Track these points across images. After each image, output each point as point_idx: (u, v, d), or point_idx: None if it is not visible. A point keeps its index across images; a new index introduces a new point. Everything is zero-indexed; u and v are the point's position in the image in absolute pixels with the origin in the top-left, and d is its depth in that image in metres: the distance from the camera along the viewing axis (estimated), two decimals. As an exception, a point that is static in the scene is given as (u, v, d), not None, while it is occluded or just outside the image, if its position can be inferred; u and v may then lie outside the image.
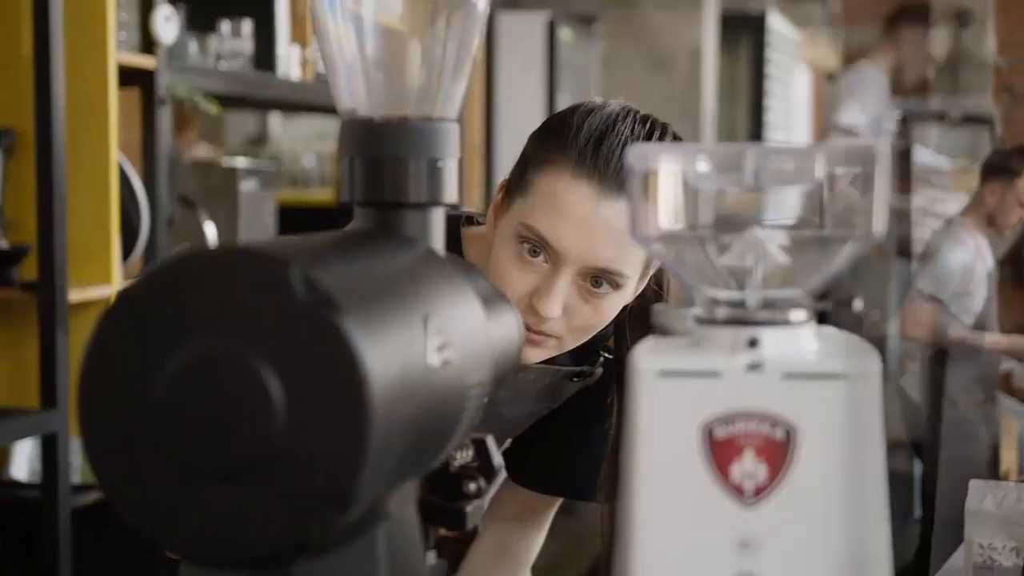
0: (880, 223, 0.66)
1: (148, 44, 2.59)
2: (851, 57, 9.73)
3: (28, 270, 2.33)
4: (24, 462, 2.52)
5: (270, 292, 0.59)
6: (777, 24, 7.21)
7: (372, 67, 0.77)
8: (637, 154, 0.69)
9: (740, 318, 0.68)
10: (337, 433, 0.58)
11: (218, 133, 4.49)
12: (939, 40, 4.38)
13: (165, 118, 2.60)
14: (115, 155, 2.43)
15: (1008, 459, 4.37)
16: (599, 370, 1.38)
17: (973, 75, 9.38)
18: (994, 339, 4.26)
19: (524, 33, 5.59)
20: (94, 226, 2.41)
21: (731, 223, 0.71)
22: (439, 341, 0.67)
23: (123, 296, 0.61)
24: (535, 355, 1.26)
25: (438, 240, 0.78)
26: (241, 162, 3.09)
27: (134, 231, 2.50)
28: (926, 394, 4.32)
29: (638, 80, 5.33)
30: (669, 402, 0.67)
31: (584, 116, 1.23)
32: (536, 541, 1.48)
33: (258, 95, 3.12)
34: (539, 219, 1.20)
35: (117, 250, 2.44)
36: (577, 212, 1.19)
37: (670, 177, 0.69)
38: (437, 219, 0.78)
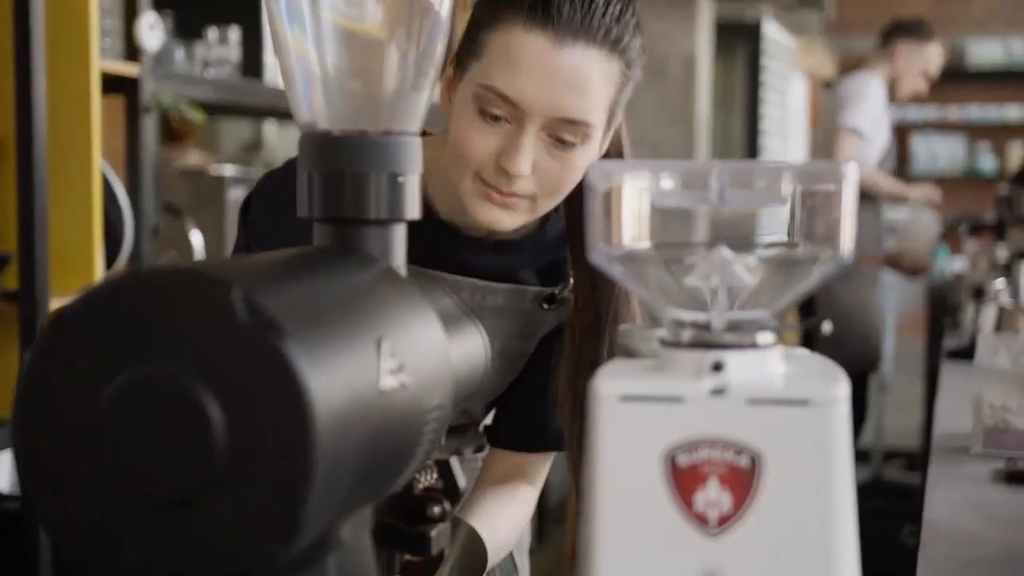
0: (848, 244, 0.64)
1: (133, 51, 2.57)
2: (847, 65, 9.74)
3: (9, 279, 2.31)
4: (5, 473, 2.50)
5: (212, 315, 0.57)
6: (773, 32, 7.20)
7: (331, 79, 0.75)
8: (598, 171, 0.66)
9: (705, 341, 0.66)
10: (280, 461, 0.56)
11: (212, 140, 4.47)
12: (934, 54, 4.38)
13: (149, 126, 2.58)
14: (98, 163, 2.40)
15: None
16: (569, 295, 1.36)
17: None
18: (896, 186, 4.45)
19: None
20: (77, 234, 2.38)
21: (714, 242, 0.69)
22: (393, 364, 0.65)
23: (61, 316, 0.59)
24: (510, 219, 1.24)
25: (399, 257, 0.76)
26: (230, 170, 3.06)
27: (118, 240, 2.48)
28: None
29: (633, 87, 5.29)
30: (631, 428, 0.64)
31: None
32: (531, 498, 1.44)
33: (245, 103, 3.10)
34: (496, 76, 1.18)
35: (100, 259, 2.41)
36: (534, 63, 1.17)
37: (633, 195, 0.67)
38: (398, 235, 0.76)
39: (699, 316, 0.68)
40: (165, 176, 3.04)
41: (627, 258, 0.67)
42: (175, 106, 2.61)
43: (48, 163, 2.29)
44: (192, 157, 3.75)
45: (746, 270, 0.66)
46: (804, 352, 0.72)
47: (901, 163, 9.99)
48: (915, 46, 4.33)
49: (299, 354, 0.56)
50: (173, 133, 3.46)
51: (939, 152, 9.91)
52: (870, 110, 4.28)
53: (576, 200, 1.28)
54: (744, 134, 7.12)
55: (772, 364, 0.66)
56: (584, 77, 1.18)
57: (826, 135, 4.37)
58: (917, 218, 4.54)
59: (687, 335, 0.67)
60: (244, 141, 5.29)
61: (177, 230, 2.81)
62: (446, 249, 1.31)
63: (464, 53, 1.24)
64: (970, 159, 9.87)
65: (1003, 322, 2.81)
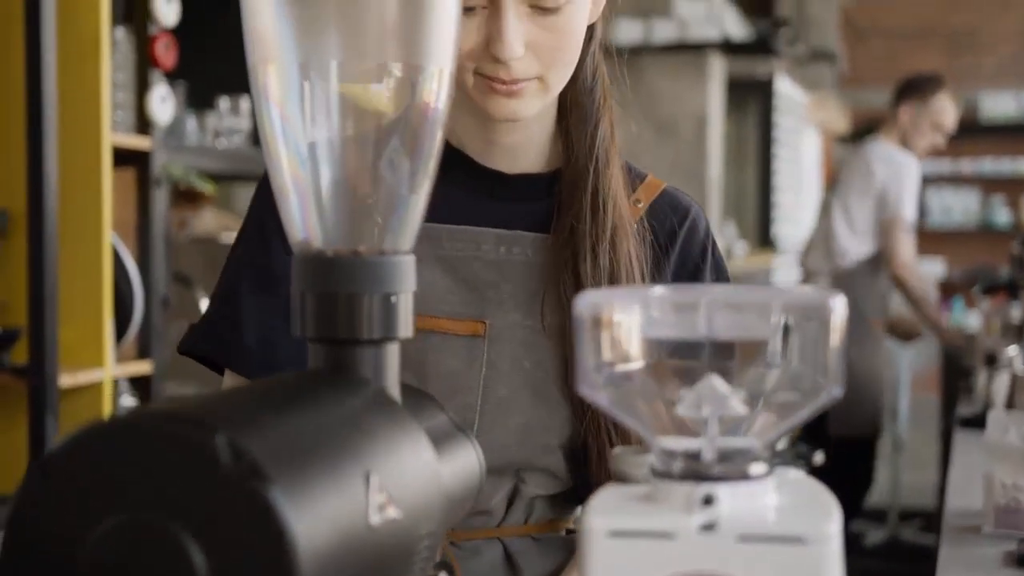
0: (837, 379, 0.64)
1: (144, 124, 2.59)
2: (860, 119, 9.77)
3: (19, 354, 2.31)
4: None
5: (195, 461, 0.56)
6: (785, 87, 7.22)
7: (324, 198, 0.75)
8: (586, 301, 0.66)
9: (695, 472, 0.66)
10: (264, 609, 0.55)
11: (227, 200, 4.49)
12: (941, 107, 4.39)
13: (160, 198, 2.59)
14: (109, 237, 2.41)
15: None
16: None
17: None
18: (929, 308, 4.52)
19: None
20: (87, 309, 2.39)
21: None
22: (382, 498, 0.65)
23: (46, 461, 0.58)
24: (523, 107, 1.15)
25: (392, 376, 0.76)
26: (240, 238, 3.07)
27: (128, 313, 2.48)
28: None
29: (644, 146, 5.32)
30: (621, 564, 0.64)
31: None
32: None
33: (256, 172, 3.11)
34: None
35: (110, 333, 2.42)
36: None
37: (621, 323, 0.67)
38: (391, 355, 0.76)
39: (690, 444, 0.67)
40: (176, 243, 3.05)
41: (615, 386, 0.67)
42: (185, 177, 2.63)
43: (59, 238, 2.31)
44: (207, 216, 3.77)
45: (738, 401, 0.66)
46: (797, 475, 0.71)
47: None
48: (919, 103, 4.35)
49: (284, 500, 0.56)
50: (187, 194, 3.48)
51: (953, 205, 9.90)
52: (915, 196, 4.31)
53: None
54: (757, 190, 7.13)
55: (764, 496, 0.66)
56: None
57: (876, 215, 4.33)
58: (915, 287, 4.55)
59: (677, 466, 0.66)
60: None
61: (188, 300, 2.82)
62: (466, 189, 1.22)
63: None
64: (984, 212, 9.86)
65: (1016, 390, 2.79)
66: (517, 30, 1.10)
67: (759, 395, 0.67)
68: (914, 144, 4.39)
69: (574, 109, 1.23)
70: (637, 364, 0.68)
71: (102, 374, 2.41)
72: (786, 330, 0.66)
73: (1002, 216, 9.81)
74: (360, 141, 0.76)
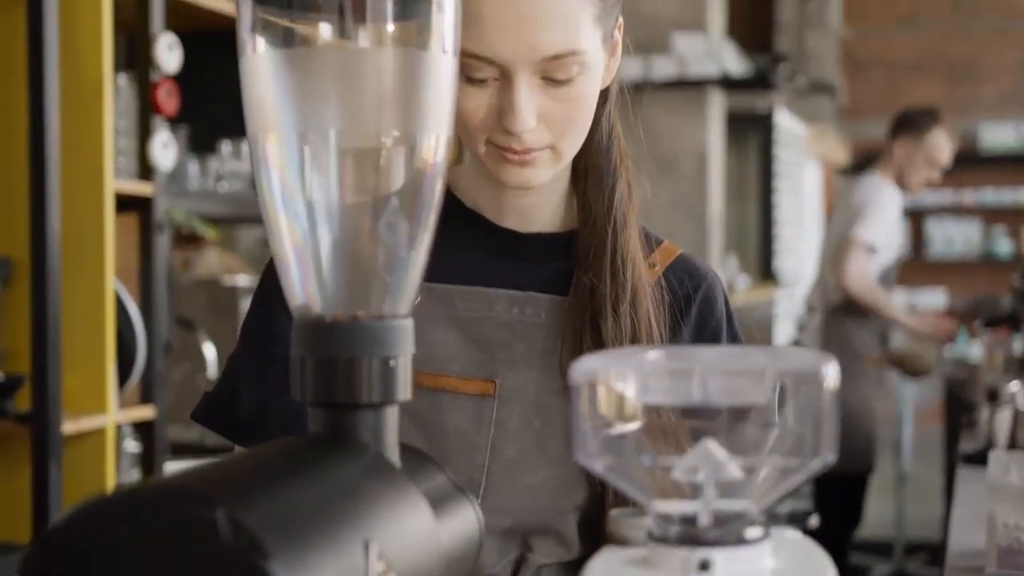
0: (831, 445, 0.65)
1: (146, 170, 2.60)
2: (860, 150, 9.80)
3: (22, 400, 2.32)
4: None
5: (196, 535, 0.57)
6: (785, 121, 7.25)
7: (323, 264, 0.76)
8: (581, 368, 0.67)
9: (692, 537, 0.66)
10: None
11: (229, 240, 4.51)
12: (935, 143, 4.39)
13: (162, 243, 2.61)
14: (111, 283, 2.43)
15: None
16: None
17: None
18: (899, 314, 4.46)
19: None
20: (89, 356, 2.40)
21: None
22: (382, 566, 0.65)
23: (47, 536, 0.59)
24: (536, 175, 1.14)
25: (391, 439, 0.76)
26: (244, 280, 3.09)
27: (131, 358, 2.49)
28: (826, 346, 4.40)
29: (644, 182, 5.33)
30: (618, 630, 0.64)
31: None
32: None
33: (258, 215, 3.12)
34: (465, 39, 1.04)
35: (113, 379, 2.43)
36: (494, 12, 1.08)
37: (616, 390, 0.67)
38: (391, 418, 0.76)
39: (686, 508, 0.68)
40: (179, 284, 3.07)
41: (611, 452, 0.68)
42: (187, 222, 2.64)
43: (62, 285, 2.32)
44: (211, 256, 3.79)
45: (734, 465, 0.67)
46: (794, 535, 0.72)
47: (917, 247, 10.02)
48: (912, 138, 4.36)
49: (283, 573, 0.57)
50: (191, 235, 3.49)
51: (955, 236, 9.92)
52: (885, 223, 4.29)
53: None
54: (758, 224, 7.14)
55: (760, 560, 0.66)
56: (553, 6, 1.08)
57: (839, 239, 4.37)
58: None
59: (673, 531, 0.67)
60: (260, 239, 5.34)
61: (191, 343, 2.82)
62: (480, 250, 1.22)
63: None
64: (986, 242, 9.88)
65: (1019, 426, 2.79)
66: (529, 102, 1.10)
67: (755, 459, 0.67)
68: (909, 179, 4.40)
69: (591, 171, 1.23)
70: (633, 429, 0.68)
71: (105, 420, 2.42)
72: (780, 395, 0.66)
73: (1004, 246, 9.82)
74: (358, 207, 0.77)
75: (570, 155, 1.17)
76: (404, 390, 0.76)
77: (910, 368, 4.80)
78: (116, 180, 2.48)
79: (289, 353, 0.75)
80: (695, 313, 1.25)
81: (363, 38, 0.77)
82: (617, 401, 0.68)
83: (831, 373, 0.65)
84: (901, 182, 4.39)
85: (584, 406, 0.67)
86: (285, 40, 0.77)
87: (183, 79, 2.68)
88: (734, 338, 1.25)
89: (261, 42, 0.75)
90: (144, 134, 2.59)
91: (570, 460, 1.16)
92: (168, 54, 2.58)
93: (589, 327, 1.18)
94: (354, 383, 0.74)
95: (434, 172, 0.78)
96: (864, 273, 4.21)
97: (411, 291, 0.78)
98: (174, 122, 2.73)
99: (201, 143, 2.93)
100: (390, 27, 0.75)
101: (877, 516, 6.33)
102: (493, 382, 1.17)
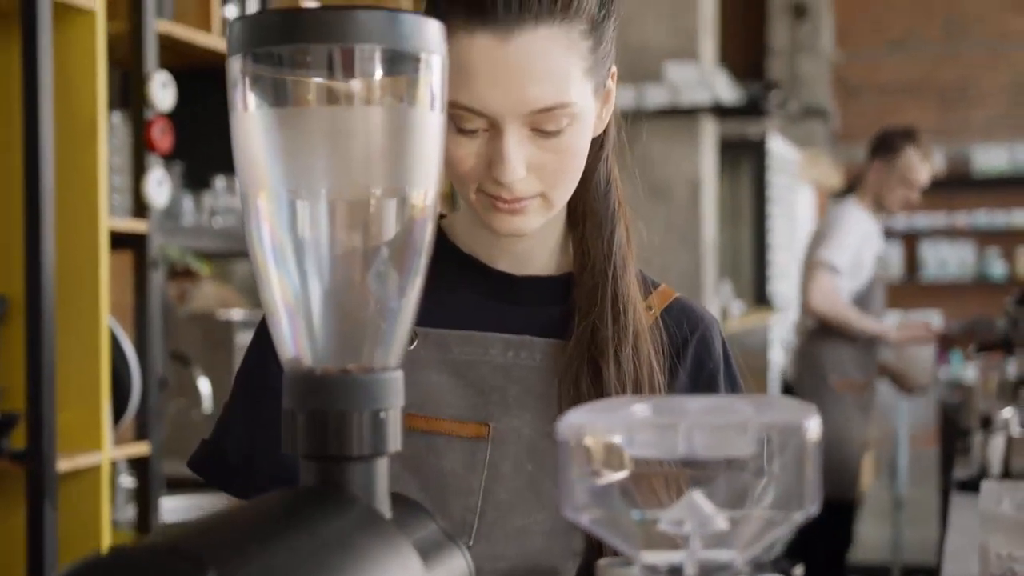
0: (814, 497, 0.65)
1: (141, 207, 2.62)
2: (853, 174, 9.84)
3: (17, 439, 2.32)
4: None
5: (188, 596, 0.58)
6: (778, 146, 7.28)
7: (314, 318, 0.77)
8: (568, 425, 0.68)
9: (679, 589, 0.67)
10: None
11: (224, 273, 4.52)
12: (907, 163, 4.36)
13: (157, 280, 2.62)
14: (106, 321, 2.43)
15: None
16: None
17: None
18: (872, 325, 4.34)
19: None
20: (84, 393, 2.40)
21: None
22: (372, 621, 0.66)
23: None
24: (527, 222, 1.15)
25: (382, 490, 0.77)
26: (238, 314, 3.09)
27: (125, 395, 2.50)
28: (800, 372, 4.35)
29: (637, 209, 5.35)
30: None
31: None
32: None
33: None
34: (455, 90, 1.07)
35: (108, 417, 2.43)
36: (484, 65, 1.09)
37: (603, 444, 0.68)
38: (381, 470, 0.77)
39: (673, 558, 0.69)
40: (175, 318, 3.07)
41: (598, 505, 0.69)
42: (182, 259, 2.65)
43: (56, 322, 2.33)
44: (207, 289, 3.79)
45: (720, 517, 0.68)
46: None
47: (911, 270, 10.05)
48: (885, 160, 4.36)
49: (274, 633, 0.57)
50: (187, 269, 3.50)
51: (949, 258, 9.95)
52: (849, 244, 4.27)
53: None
54: (752, 249, 7.16)
55: (746, 611, 0.67)
56: (541, 60, 1.09)
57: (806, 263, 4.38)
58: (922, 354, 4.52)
59: (661, 583, 0.68)
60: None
61: (186, 378, 2.83)
62: (475, 294, 1.23)
63: None
64: (980, 264, 9.91)
65: (1012, 453, 2.80)
66: (518, 153, 1.11)
67: (740, 511, 0.68)
68: (885, 200, 4.36)
69: (589, 216, 1.23)
70: (620, 482, 0.69)
71: (100, 457, 2.42)
72: (764, 448, 0.67)
73: (997, 268, 9.86)
74: (348, 261, 0.78)
75: (561, 203, 1.17)
76: (394, 442, 0.77)
77: (901, 384, 4.80)
78: (111, 218, 2.49)
79: (281, 404, 0.77)
80: (691, 356, 1.25)
81: (352, 96, 0.78)
82: (604, 454, 0.69)
83: (813, 426, 0.66)
84: (879, 204, 4.38)
85: (571, 459, 0.68)
86: (275, 99, 0.78)
87: (177, 115, 2.70)
88: (732, 380, 1.25)
89: (252, 100, 0.76)
90: (138, 172, 2.60)
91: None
92: (162, 92, 2.60)
93: (589, 371, 1.18)
94: (344, 436, 0.75)
95: (423, 224, 0.79)
96: (828, 292, 4.20)
97: (401, 342, 0.79)
98: (168, 159, 2.74)
99: (195, 178, 2.94)
100: (378, 83, 0.77)
101: (874, 540, 6.33)
102: (487, 425, 1.18)
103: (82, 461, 2.37)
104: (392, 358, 0.79)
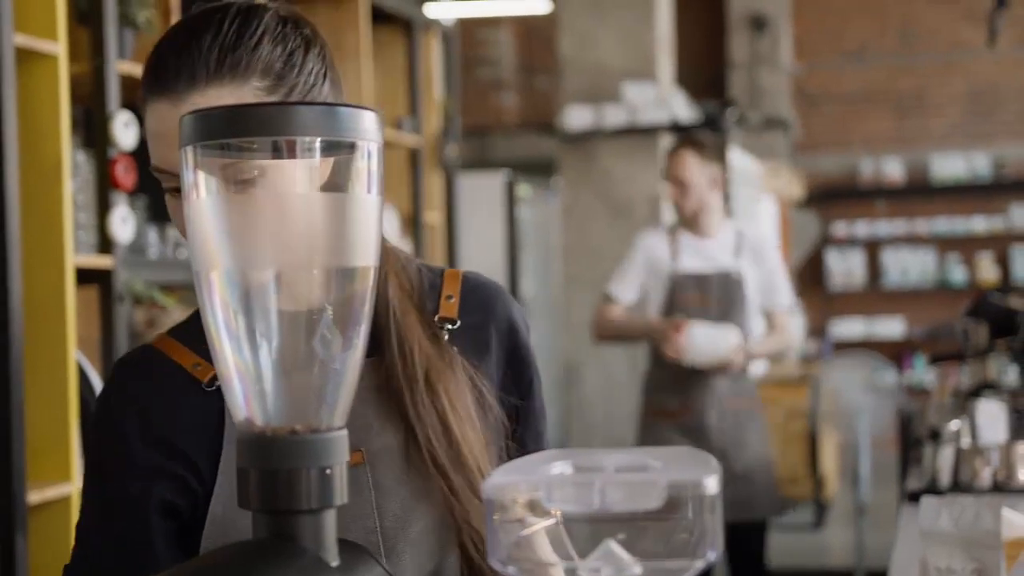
0: (713, 545, 0.73)
1: (106, 243, 2.67)
2: (814, 184, 9.96)
3: (-13, 473, 2.38)
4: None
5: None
6: (738, 160, 7.37)
7: (264, 384, 0.84)
8: (493, 484, 0.75)
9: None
10: None
11: (191, 301, 4.55)
12: (670, 160, 4.12)
13: (123, 315, 2.68)
14: (73, 355, 2.49)
15: None
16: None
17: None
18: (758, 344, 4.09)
19: (484, 192, 5.75)
20: (53, 425, 2.46)
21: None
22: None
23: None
24: None
25: (330, 540, 0.84)
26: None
27: (93, 427, 2.55)
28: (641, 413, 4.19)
29: (599, 228, 5.44)
30: None
31: (161, 36, 1.21)
32: None
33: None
34: (151, 154, 1.17)
35: (76, 448, 2.49)
36: (164, 128, 1.16)
37: (525, 501, 0.76)
38: (329, 521, 0.84)
39: (592, 600, 0.76)
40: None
41: (523, 556, 0.76)
42: (147, 293, 2.71)
43: (24, 357, 2.38)
44: (175, 316, 3.83)
45: (633, 563, 0.75)
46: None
47: (874, 277, 10.19)
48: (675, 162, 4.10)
49: None
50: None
51: (910, 265, 10.09)
52: (627, 271, 4.13)
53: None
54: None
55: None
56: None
57: None
58: (706, 333, 4.22)
59: (579, 626, 0.75)
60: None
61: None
62: None
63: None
64: (941, 271, 10.05)
65: (961, 464, 2.88)
66: None
67: (651, 560, 0.76)
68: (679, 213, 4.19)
69: None
70: (540, 534, 0.77)
71: (70, 488, 2.48)
72: (671, 502, 0.75)
73: (958, 274, 10.00)
74: (294, 331, 0.85)
75: None
76: (340, 495, 0.84)
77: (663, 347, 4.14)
78: (76, 254, 2.55)
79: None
80: (496, 329, 1.33)
81: (294, 181, 0.85)
82: (526, 511, 0.76)
83: (712, 483, 0.73)
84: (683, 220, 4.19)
85: (495, 518, 0.75)
86: (224, 186, 0.86)
87: (141, 149, 2.75)
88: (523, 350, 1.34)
89: (203, 188, 0.83)
90: (103, 208, 2.66)
91: (441, 502, 1.24)
92: (124, 131, 2.66)
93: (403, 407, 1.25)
94: (294, 492, 0.83)
95: (363, 293, 0.86)
96: (601, 318, 4.11)
97: (345, 403, 0.86)
98: (132, 194, 2.80)
99: (159, 212, 3.00)
100: (318, 170, 0.84)
101: (838, 545, 6.42)
102: (360, 451, 1.24)
103: (52, 493, 2.42)
104: (337, 418, 0.86)
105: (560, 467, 0.78)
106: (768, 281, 4.11)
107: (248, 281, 0.84)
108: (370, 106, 1.27)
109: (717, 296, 4.08)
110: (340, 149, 0.84)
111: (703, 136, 4.21)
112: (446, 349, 1.28)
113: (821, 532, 6.50)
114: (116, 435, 1.23)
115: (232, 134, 0.83)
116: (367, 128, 0.84)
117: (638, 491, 0.75)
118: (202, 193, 0.83)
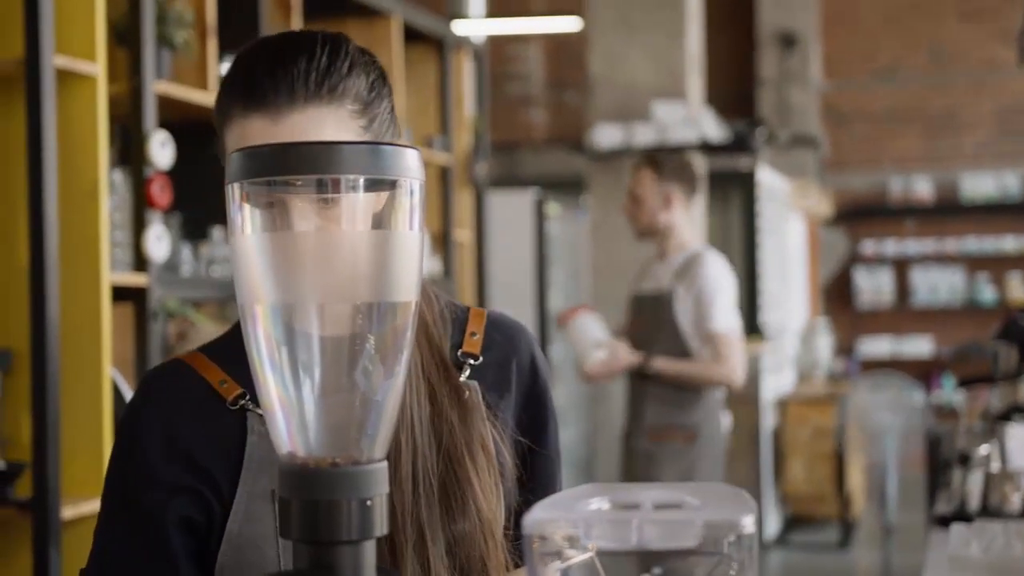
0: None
1: (141, 261, 2.70)
2: (842, 201, 9.94)
3: (23, 488, 2.40)
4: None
5: None
6: (767, 178, 7.37)
7: (307, 418, 0.86)
8: (532, 521, 0.77)
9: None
10: None
11: (223, 314, 4.58)
12: (648, 183, 4.00)
13: (157, 332, 2.70)
14: (108, 372, 2.52)
15: None
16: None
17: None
18: (663, 363, 3.92)
19: (514, 210, 5.77)
20: (88, 441, 2.48)
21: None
22: None
23: None
24: None
25: (369, 570, 0.86)
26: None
27: (127, 443, 2.57)
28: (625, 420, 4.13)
29: (627, 246, 5.44)
30: None
31: (243, 54, 1.22)
32: None
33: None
34: None
35: (110, 464, 2.51)
36: (260, 140, 1.16)
37: (564, 537, 0.77)
38: (368, 551, 0.86)
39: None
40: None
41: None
42: (180, 310, 2.74)
43: (60, 373, 2.41)
44: (206, 330, 3.86)
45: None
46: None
47: (902, 296, 10.14)
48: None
49: None
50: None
51: (939, 284, 10.05)
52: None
53: None
54: (743, 279, 7.24)
55: None
56: (312, 136, 1.17)
57: None
58: (584, 325, 4.02)
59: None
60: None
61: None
62: None
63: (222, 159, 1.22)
64: (970, 290, 10.00)
65: (991, 489, 2.87)
66: (304, 224, 1.09)
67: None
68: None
69: None
70: (579, 569, 0.78)
71: (103, 504, 2.50)
72: (708, 539, 0.76)
73: (987, 293, 9.95)
74: (337, 364, 0.87)
75: None
76: (380, 526, 0.86)
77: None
78: (112, 272, 2.58)
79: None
80: (518, 368, 1.33)
81: (339, 219, 0.87)
82: (565, 547, 0.77)
83: (749, 522, 0.75)
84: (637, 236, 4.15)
85: (535, 553, 0.76)
86: (270, 223, 0.87)
87: (177, 172, 2.78)
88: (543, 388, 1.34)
89: (248, 225, 0.85)
90: (139, 227, 2.69)
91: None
92: (161, 151, 2.69)
93: None
94: (335, 523, 0.84)
95: (404, 327, 0.88)
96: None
97: (386, 435, 0.88)
98: (167, 212, 2.83)
99: (193, 229, 3.03)
100: (362, 207, 0.86)
101: (863, 566, 6.40)
102: None
103: (86, 508, 2.45)
104: (377, 449, 0.87)
105: (597, 503, 0.79)
106: (697, 303, 3.92)
107: (291, 315, 0.86)
108: (407, 142, 1.28)
109: (648, 317, 4.00)
110: (383, 186, 0.86)
111: (667, 157, 4.13)
112: (457, 384, 1.27)
113: (847, 552, 6.48)
114: (139, 448, 1.24)
115: (278, 172, 0.84)
116: (410, 166, 0.86)
117: (675, 530, 0.76)
118: (247, 229, 0.85)
